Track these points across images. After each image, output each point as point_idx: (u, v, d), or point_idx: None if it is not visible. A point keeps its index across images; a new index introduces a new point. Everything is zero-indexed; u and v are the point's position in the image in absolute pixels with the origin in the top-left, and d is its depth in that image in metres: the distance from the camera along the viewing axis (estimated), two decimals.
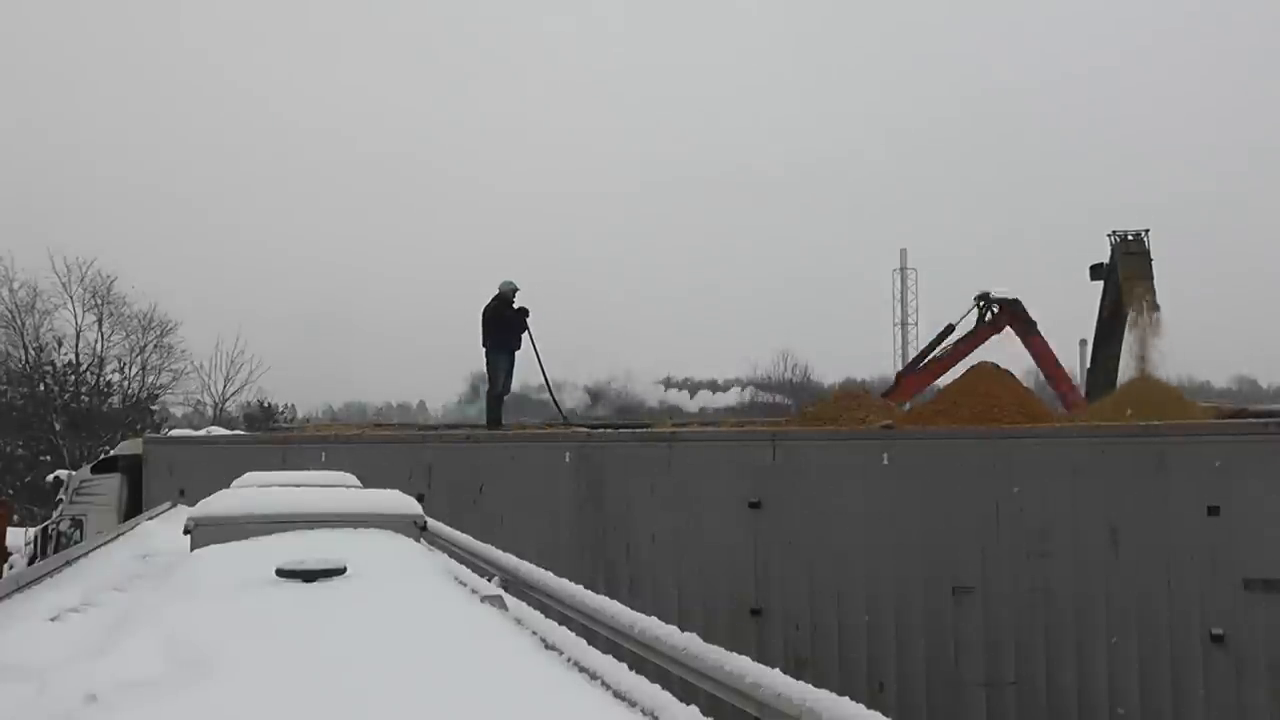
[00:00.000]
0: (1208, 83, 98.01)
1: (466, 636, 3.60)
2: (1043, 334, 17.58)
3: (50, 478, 17.48)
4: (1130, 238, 15.23)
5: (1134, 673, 10.66)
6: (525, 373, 14.86)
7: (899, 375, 17.34)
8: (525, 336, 14.26)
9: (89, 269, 35.42)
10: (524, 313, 14.23)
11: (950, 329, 17.08)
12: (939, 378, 16.94)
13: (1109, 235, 15.64)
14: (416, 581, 4.49)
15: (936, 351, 17.43)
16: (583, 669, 3.48)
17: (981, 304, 17.24)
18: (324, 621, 3.52)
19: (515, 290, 14.24)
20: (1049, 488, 10.97)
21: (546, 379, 15.39)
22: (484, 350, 14.25)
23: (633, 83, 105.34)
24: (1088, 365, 18.12)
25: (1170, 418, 12.44)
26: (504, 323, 14.07)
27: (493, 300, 14.21)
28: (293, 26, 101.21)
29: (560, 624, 4.25)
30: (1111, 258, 15.78)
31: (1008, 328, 17.38)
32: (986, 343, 17.16)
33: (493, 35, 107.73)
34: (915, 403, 16.78)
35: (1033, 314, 17.79)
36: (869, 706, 2.77)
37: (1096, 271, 16.51)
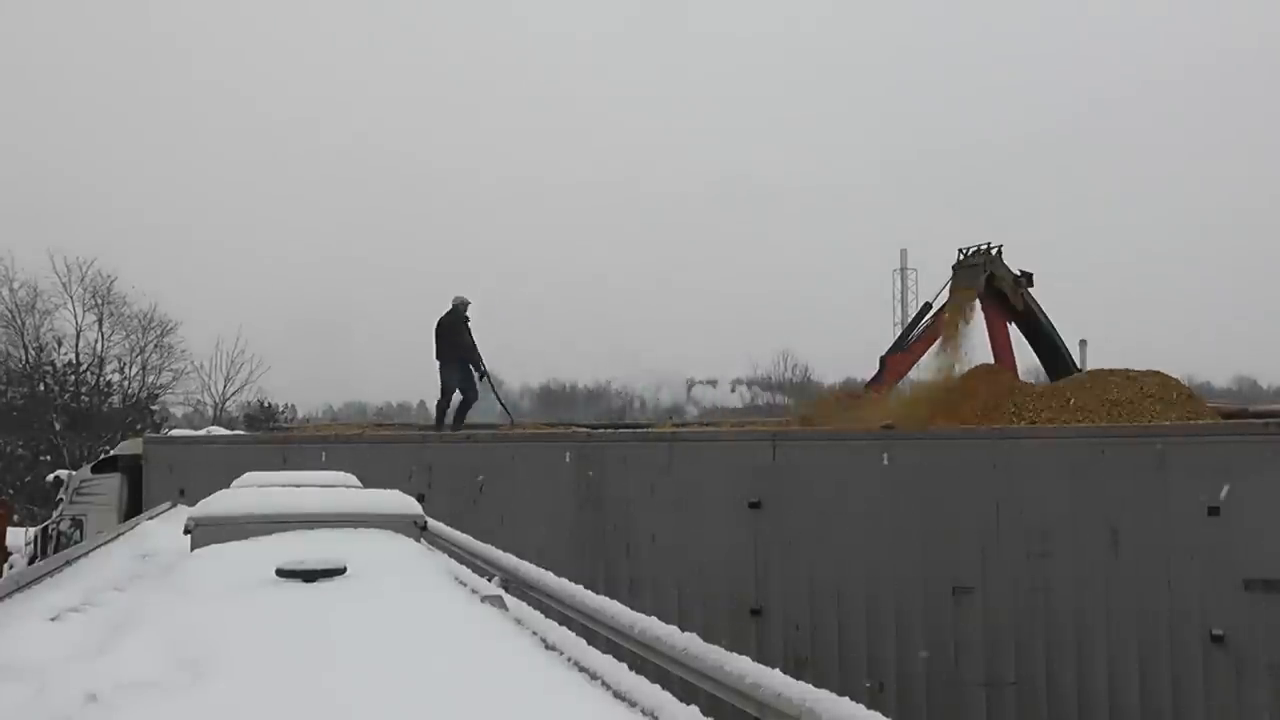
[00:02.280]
0: (1209, 83, 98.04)
1: (466, 636, 3.60)
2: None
3: (50, 478, 17.48)
4: (971, 252, 15.29)
5: (1134, 673, 10.66)
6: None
7: (882, 359, 16.92)
8: (474, 348, 14.54)
9: (89, 269, 35.47)
10: (466, 321, 14.61)
11: (928, 306, 16.76)
12: (924, 354, 16.58)
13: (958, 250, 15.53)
14: (416, 581, 4.49)
15: (918, 330, 17.00)
16: (583, 669, 3.49)
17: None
18: (324, 621, 3.52)
19: (468, 305, 14.64)
20: (1049, 488, 10.97)
21: (493, 386, 15.64)
22: (438, 363, 14.49)
23: (634, 84, 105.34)
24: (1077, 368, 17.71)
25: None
26: (456, 335, 14.41)
27: (447, 314, 14.55)
28: (294, 27, 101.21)
29: (560, 624, 4.25)
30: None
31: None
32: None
33: (495, 36, 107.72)
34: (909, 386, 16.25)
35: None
36: (869, 706, 2.77)
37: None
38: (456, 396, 14.42)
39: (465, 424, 14.32)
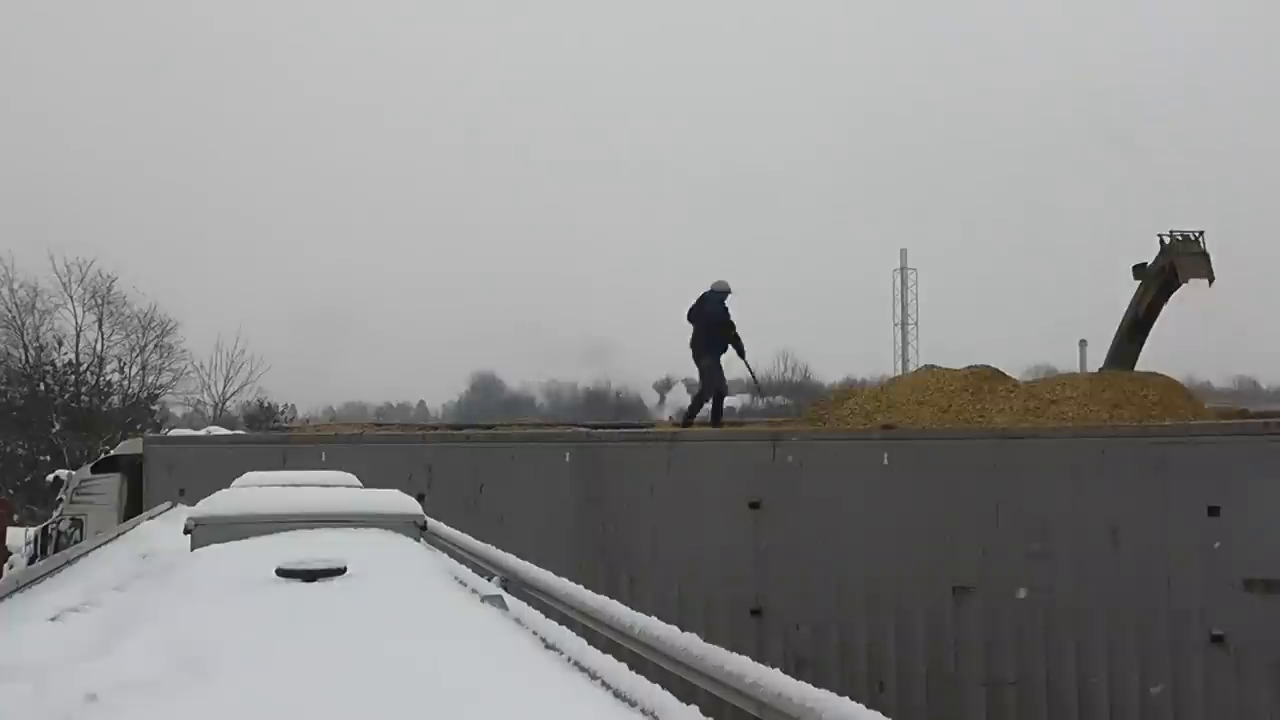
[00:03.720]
0: (1208, 84, 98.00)
1: (466, 636, 3.60)
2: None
3: (50, 478, 17.51)
4: (1194, 237, 14.98)
5: (1134, 673, 10.66)
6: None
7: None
8: (736, 334, 14.41)
9: (89, 269, 35.44)
10: (727, 308, 14.41)
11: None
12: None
13: (1160, 236, 15.26)
14: (416, 581, 4.49)
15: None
16: (583, 669, 3.49)
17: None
18: (324, 621, 3.52)
19: (729, 292, 14.36)
20: (1049, 488, 10.97)
21: (750, 369, 15.86)
22: (692, 351, 14.25)
23: (629, 81, 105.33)
24: (1103, 364, 17.44)
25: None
26: (718, 323, 14.20)
27: (704, 301, 14.26)
28: (291, 27, 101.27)
29: (560, 624, 4.25)
30: (1158, 258, 15.31)
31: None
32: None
33: (491, 35, 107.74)
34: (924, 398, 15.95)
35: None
36: (869, 706, 2.77)
37: (1139, 271, 16.07)
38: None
39: (464, 425, 14.34)
